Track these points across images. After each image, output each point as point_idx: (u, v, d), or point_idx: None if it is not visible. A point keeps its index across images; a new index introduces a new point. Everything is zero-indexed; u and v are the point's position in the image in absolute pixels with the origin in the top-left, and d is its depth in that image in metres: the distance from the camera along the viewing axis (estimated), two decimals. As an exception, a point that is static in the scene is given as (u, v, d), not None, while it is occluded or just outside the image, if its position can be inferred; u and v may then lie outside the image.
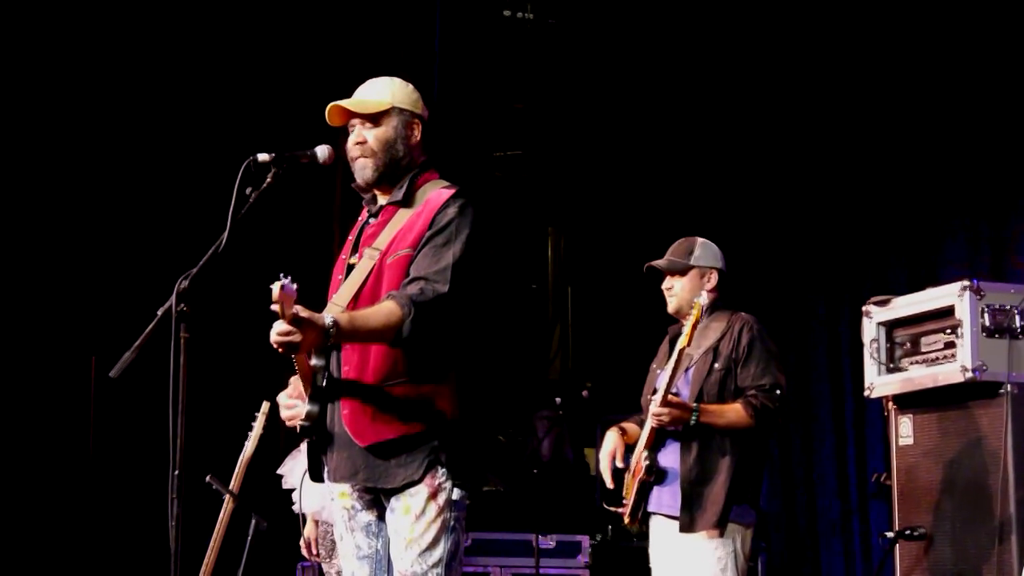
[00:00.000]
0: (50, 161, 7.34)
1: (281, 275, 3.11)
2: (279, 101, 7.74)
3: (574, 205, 9.78)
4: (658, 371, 4.89)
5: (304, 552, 5.60)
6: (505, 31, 8.68)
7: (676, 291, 4.83)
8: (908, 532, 5.21)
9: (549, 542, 7.34)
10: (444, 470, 3.49)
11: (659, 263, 4.87)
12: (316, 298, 3.56)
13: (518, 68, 8.93)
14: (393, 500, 3.51)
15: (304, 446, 3.68)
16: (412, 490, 3.48)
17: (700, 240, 4.90)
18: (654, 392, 4.74)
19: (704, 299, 4.64)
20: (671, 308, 4.87)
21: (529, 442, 8.47)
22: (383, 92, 3.68)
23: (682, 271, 4.82)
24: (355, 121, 3.67)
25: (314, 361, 3.46)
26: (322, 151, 3.58)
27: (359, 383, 3.48)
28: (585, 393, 8.14)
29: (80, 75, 7.42)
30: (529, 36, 8.66)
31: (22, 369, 7.13)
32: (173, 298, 3.30)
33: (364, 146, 3.63)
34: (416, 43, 8.22)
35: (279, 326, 3.19)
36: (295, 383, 3.59)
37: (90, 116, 7.45)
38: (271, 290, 3.10)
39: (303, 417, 3.48)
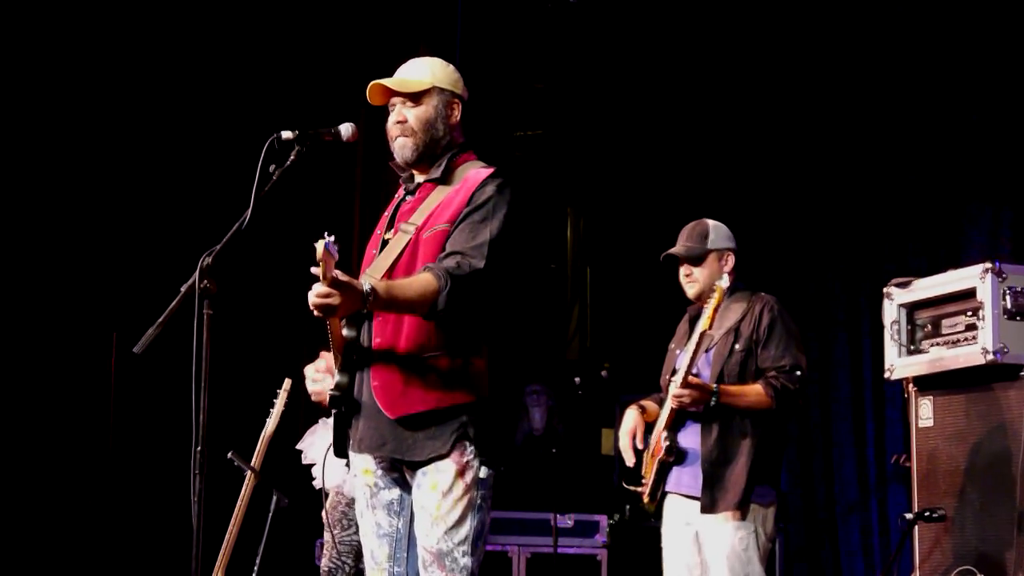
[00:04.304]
0: (74, 137, 7.35)
1: (326, 233, 3.08)
2: (302, 79, 7.75)
3: (594, 185, 9.77)
4: (676, 351, 4.89)
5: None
6: (526, 11, 8.65)
7: (696, 277, 4.82)
8: (927, 514, 5.19)
9: (567, 521, 7.35)
10: (472, 447, 3.48)
11: (676, 251, 4.85)
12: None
13: (539, 48, 8.91)
14: (420, 475, 3.50)
15: (323, 421, 3.68)
16: (440, 466, 3.47)
17: (711, 222, 4.88)
18: (673, 372, 4.74)
19: (725, 281, 4.63)
20: (691, 294, 4.86)
21: (521, 418, 8.46)
22: (424, 71, 3.69)
23: (700, 257, 4.82)
24: (395, 100, 3.67)
25: (346, 332, 3.46)
26: (345, 129, 3.59)
27: (391, 355, 3.48)
28: (604, 373, 8.14)
29: (108, 48, 7.41)
30: (550, 16, 8.63)
31: (44, 344, 7.15)
32: (196, 275, 3.32)
33: (404, 125, 3.64)
34: (437, 22, 8.21)
35: (318, 287, 3.17)
36: (326, 358, 3.60)
37: (116, 91, 7.45)
38: (314, 248, 3.06)
39: (332, 387, 3.49)
